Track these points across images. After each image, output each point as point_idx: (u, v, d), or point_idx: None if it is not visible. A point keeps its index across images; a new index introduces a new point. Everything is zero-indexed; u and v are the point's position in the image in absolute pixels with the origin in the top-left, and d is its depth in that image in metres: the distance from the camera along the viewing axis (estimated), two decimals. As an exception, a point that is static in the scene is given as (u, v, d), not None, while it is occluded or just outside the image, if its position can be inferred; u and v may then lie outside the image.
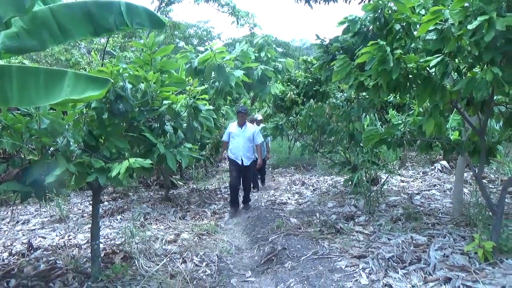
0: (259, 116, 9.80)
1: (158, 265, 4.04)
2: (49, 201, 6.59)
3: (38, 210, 6.73)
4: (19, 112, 2.94)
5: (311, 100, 9.06)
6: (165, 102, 3.44)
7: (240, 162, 6.41)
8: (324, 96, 10.28)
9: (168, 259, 4.20)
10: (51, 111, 2.99)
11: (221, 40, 25.47)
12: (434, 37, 3.11)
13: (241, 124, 6.49)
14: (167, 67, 3.59)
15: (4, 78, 2.17)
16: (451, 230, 4.39)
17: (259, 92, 6.60)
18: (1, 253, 4.69)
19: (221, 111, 7.75)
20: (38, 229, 5.76)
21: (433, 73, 3.42)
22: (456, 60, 3.26)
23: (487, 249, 3.35)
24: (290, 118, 8.66)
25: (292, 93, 10.42)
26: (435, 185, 7.29)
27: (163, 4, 16.64)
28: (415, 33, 3.60)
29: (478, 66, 3.30)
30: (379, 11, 3.90)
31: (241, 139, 6.41)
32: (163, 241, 4.85)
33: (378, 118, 6.62)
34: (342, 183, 7.57)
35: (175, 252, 4.43)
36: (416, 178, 8.19)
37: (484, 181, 3.90)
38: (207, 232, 5.23)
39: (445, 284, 3.16)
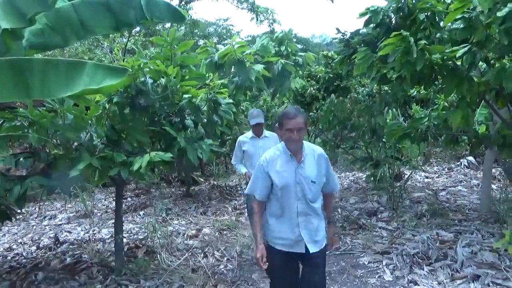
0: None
1: (179, 259, 4.07)
2: (74, 197, 6.75)
3: (64, 206, 6.90)
4: (44, 108, 3.01)
5: (332, 95, 8.92)
6: (185, 96, 3.44)
7: (298, 250, 2.38)
8: (345, 91, 10.11)
9: (190, 254, 4.23)
10: (75, 106, 3.05)
11: (240, 37, 25.47)
12: (462, 26, 3.01)
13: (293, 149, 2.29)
14: (187, 62, 3.60)
15: (26, 71, 2.20)
16: (479, 226, 4.26)
17: (279, 87, 6.50)
18: (29, 247, 4.84)
19: (241, 106, 7.72)
20: (64, 224, 5.91)
21: (460, 64, 3.30)
22: (484, 49, 3.14)
23: (518, 246, 3.22)
24: (310, 113, 8.55)
25: (312, 88, 10.29)
26: (461, 181, 7.07)
27: (183, 2, 16.75)
28: (441, 23, 3.48)
29: (507, 56, 3.17)
30: (403, 0, 3.79)
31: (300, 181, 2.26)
32: (185, 236, 4.89)
33: (401, 113, 6.45)
34: (364, 179, 7.43)
35: (196, 247, 4.46)
36: (441, 174, 7.98)
37: (514, 176, 3.75)
38: (228, 228, 5.23)
39: (473, 282, 3.07)
